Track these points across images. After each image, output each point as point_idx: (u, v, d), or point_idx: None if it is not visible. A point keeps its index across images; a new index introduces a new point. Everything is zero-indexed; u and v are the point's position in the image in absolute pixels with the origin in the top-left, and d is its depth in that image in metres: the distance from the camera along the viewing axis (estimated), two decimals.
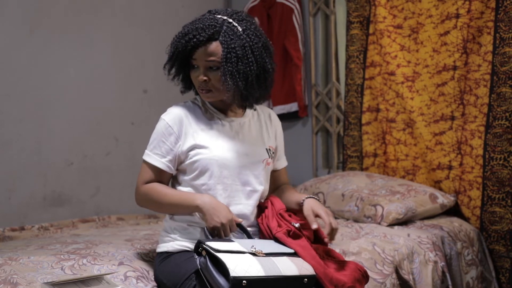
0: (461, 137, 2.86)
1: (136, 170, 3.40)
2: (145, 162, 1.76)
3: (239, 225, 1.70)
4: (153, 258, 1.90)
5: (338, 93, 3.56)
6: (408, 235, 2.43)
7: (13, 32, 2.96)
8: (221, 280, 1.47)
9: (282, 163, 1.98)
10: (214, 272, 1.50)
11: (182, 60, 1.76)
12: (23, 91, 3.01)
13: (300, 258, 1.60)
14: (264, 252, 1.56)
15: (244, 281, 1.45)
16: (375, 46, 3.19)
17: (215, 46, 1.69)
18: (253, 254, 1.54)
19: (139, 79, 3.46)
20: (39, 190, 3.07)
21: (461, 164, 2.85)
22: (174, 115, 1.77)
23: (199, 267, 1.56)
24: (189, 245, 1.71)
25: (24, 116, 3.01)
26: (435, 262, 2.34)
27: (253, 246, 1.58)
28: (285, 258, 1.58)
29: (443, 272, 2.36)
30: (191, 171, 1.75)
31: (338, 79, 3.56)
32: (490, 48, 2.72)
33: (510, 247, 2.64)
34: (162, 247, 1.77)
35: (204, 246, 1.53)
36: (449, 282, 2.37)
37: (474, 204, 2.79)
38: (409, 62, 3.04)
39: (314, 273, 1.57)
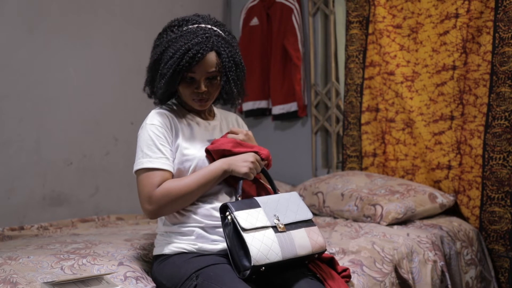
0: (460, 137, 2.86)
1: None
2: (147, 170, 1.71)
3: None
4: (152, 258, 1.90)
5: (337, 93, 3.56)
6: (408, 234, 2.43)
7: (12, 32, 2.96)
8: (244, 260, 1.58)
9: None
10: (238, 248, 1.60)
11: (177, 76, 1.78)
12: (23, 91, 3.00)
13: (315, 228, 1.72)
14: (285, 223, 1.66)
15: (262, 268, 1.57)
16: (374, 46, 3.19)
17: (213, 57, 1.74)
18: (275, 228, 1.64)
19: (138, 79, 3.45)
20: (39, 189, 3.07)
21: (460, 164, 2.86)
22: (160, 117, 1.79)
23: (227, 235, 1.63)
24: (186, 246, 1.72)
25: (24, 115, 3.01)
26: (434, 262, 2.34)
27: (275, 214, 1.66)
28: (302, 231, 1.68)
29: (442, 271, 2.36)
30: (178, 169, 1.78)
31: (337, 79, 3.56)
32: (490, 48, 2.73)
33: (509, 246, 2.65)
34: (159, 250, 1.78)
35: (232, 216, 1.61)
36: (448, 282, 2.37)
37: (473, 204, 2.79)
38: (408, 62, 3.04)
39: (325, 248, 1.71)
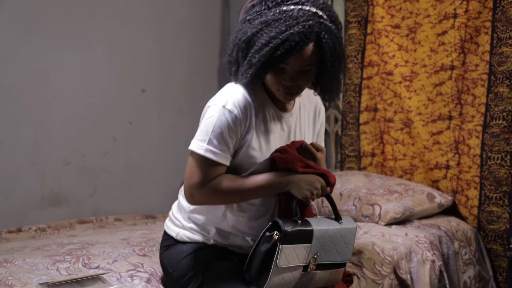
0: (458, 136, 2.86)
1: (134, 170, 3.43)
2: (206, 158, 1.55)
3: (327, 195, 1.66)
4: (149, 253, 1.90)
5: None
6: (406, 234, 2.43)
7: (10, 32, 2.96)
8: (258, 279, 1.52)
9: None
10: (259, 264, 1.52)
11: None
12: (21, 90, 3.00)
13: (341, 270, 1.64)
14: (319, 263, 1.57)
15: None
16: (373, 46, 3.19)
17: (312, 49, 1.52)
18: (305, 268, 1.55)
19: (137, 78, 3.46)
20: (37, 189, 3.07)
21: (458, 164, 2.86)
22: (242, 105, 1.56)
23: (259, 245, 1.54)
24: (200, 239, 1.66)
25: (22, 115, 3.01)
26: (433, 262, 2.35)
27: (317, 253, 1.56)
28: (328, 273, 1.60)
29: (440, 271, 2.37)
30: (235, 165, 1.62)
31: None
32: (488, 48, 2.73)
33: (507, 246, 2.65)
34: (171, 230, 1.70)
35: (277, 245, 1.50)
36: (446, 282, 2.37)
37: (471, 204, 2.80)
38: (406, 61, 3.04)
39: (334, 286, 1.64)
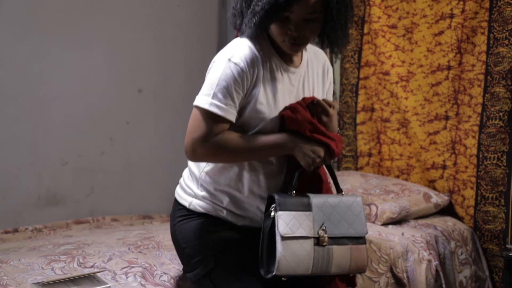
0: (455, 136, 2.86)
1: (131, 170, 3.43)
2: (210, 113, 1.49)
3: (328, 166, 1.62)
4: (144, 250, 1.90)
5: (333, 93, 3.56)
6: (402, 234, 2.44)
7: (9, 32, 2.96)
8: (271, 263, 1.46)
9: None
10: (268, 248, 1.48)
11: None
12: (18, 90, 3.00)
13: (363, 247, 1.55)
14: (331, 235, 1.49)
15: (283, 278, 1.46)
16: (369, 46, 3.20)
17: None
18: (317, 240, 1.48)
19: (134, 78, 3.45)
20: (34, 189, 3.07)
21: (455, 164, 2.86)
22: (249, 58, 1.51)
23: (264, 228, 1.49)
24: (212, 210, 1.60)
25: (19, 115, 3.01)
26: (429, 261, 2.35)
27: (324, 223, 1.49)
28: (347, 248, 1.52)
29: (436, 271, 2.37)
30: (242, 124, 1.56)
31: (333, 79, 3.56)
32: (484, 48, 2.73)
33: (503, 246, 2.65)
34: (183, 200, 1.64)
35: (274, 214, 1.47)
36: (443, 281, 2.38)
37: (467, 204, 2.80)
38: (403, 62, 3.05)
39: (364, 270, 1.56)
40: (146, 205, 3.42)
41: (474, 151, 2.77)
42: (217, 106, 1.48)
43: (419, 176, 3.00)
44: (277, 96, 1.56)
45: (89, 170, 3.27)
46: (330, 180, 1.67)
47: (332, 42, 1.61)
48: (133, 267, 1.76)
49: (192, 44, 3.74)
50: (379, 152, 3.19)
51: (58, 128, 3.14)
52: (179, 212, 1.64)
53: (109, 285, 1.51)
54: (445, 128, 2.90)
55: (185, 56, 3.69)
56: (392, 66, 3.07)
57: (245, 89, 1.51)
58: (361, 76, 3.25)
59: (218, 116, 1.49)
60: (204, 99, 1.50)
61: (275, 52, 1.58)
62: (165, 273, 1.77)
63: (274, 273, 1.44)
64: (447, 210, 2.87)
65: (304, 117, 1.53)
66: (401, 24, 3.05)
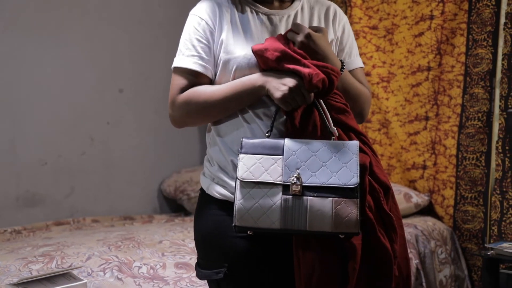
0: (435, 137, 2.89)
1: (112, 170, 3.40)
2: (176, 69, 1.43)
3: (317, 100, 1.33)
4: (124, 248, 1.88)
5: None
6: None
7: None
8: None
9: (355, 62, 1.52)
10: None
11: None
12: None
13: (351, 202, 1.24)
14: (307, 184, 1.25)
15: (249, 231, 1.26)
16: None
17: None
18: (286, 189, 1.25)
19: (114, 78, 3.43)
20: (12, 190, 3.03)
21: (435, 164, 2.89)
22: (208, 6, 1.43)
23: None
24: (226, 193, 1.39)
25: None
26: (410, 260, 2.37)
27: (298, 169, 1.26)
28: (327, 201, 1.24)
29: (417, 269, 2.39)
30: (220, 73, 1.42)
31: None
32: (463, 49, 2.77)
33: (482, 245, 2.69)
34: (202, 181, 1.48)
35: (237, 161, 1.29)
36: (423, 280, 2.40)
37: (447, 203, 2.83)
38: (384, 62, 3.07)
39: (356, 231, 1.24)
40: (126, 206, 3.39)
41: (454, 151, 2.80)
42: (180, 59, 1.43)
43: (400, 176, 3.02)
44: (251, 36, 1.41)
45: (69, 171, 3.23)
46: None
47: None
48: (110, 263, 1.74)
49: (172, 44, 3.69)
50: None
51: (37, 128, 3.11)
52: (200, 198, 1.50)
53: (85, 281, 1.48)
54: (425, 128, 2.93)
55: (166, 56, 3.66)
56: (373, 67, 3.09)
57: (209, 37, 1.41)
58: None
59: (183, 69, 1.42)
60: (174, 61, 1.46)
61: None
62: (144, 264, 1.75)
63: (233, 224, 1.25)
64: (428, 210, 2.90)
65: (272, 46, 1.33)
66: (382, 25, 3.07)
